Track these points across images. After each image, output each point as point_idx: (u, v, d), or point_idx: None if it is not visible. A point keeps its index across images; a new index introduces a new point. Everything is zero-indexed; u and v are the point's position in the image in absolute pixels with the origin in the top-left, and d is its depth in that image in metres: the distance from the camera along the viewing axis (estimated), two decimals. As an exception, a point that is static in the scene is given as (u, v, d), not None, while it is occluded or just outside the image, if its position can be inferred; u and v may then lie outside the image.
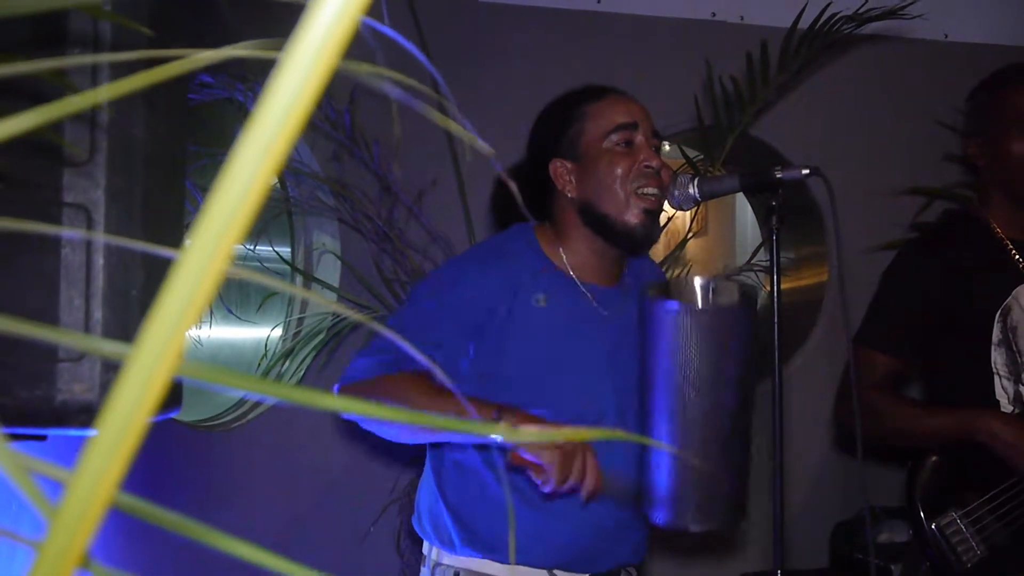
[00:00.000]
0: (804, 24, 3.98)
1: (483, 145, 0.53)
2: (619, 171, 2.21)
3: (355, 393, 2.14)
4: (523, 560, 2.26)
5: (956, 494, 2.72)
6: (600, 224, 2.24)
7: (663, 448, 2.12)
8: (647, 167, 2.21)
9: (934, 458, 2.77)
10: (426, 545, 2.37)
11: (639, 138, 2.25)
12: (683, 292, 2.21)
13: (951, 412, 2.74)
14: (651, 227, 2.24)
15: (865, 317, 2.95)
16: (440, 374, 0.51)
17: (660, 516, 2.16)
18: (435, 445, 2.33)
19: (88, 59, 1.05)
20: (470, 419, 0.44)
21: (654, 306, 2.11)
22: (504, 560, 2.24)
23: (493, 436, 0.43)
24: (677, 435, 2.10)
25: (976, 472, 2.72)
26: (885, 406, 2.79)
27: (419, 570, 2.41)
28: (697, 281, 2.21)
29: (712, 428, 2.07)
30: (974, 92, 2.93)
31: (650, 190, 2.21)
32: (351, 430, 3.87)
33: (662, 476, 2.14)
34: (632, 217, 2.21)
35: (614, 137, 2.23)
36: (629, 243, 2.26)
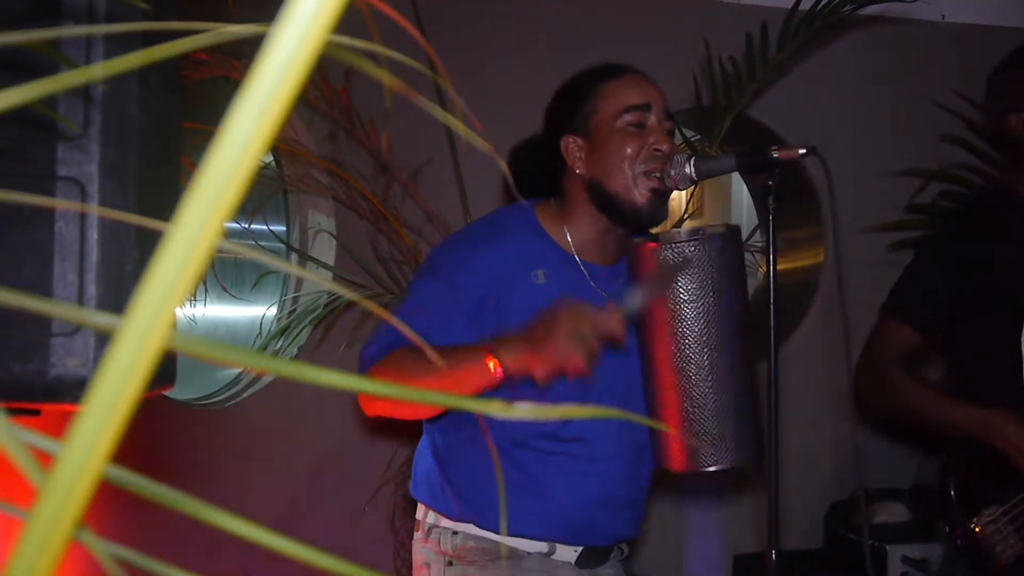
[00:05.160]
0: (804, 6, 3.98)
1: (474, 135, 0.52)
2: (628, 151, 2.21)
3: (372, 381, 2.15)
4: (520, 532, 2.27)
5: (994, 490, 2.67)
6: (607, 202, 2.24)
7: (666, 394, 2.11)
8: (657, 150, 2.21)
9: (969, 454, 2.70)
10: (421, 509, 2.38)
11: (651, 120, 2.24)
12: (668, 238, 2.21)
13: (971, 410, 2.66)
14: (658, 207, 2.24)
15: (894, 289, 2.90)
16: (437, 357, 0.51)
17: (675, 462, 2.15)
18: (433, 417, 2.34)
19: (82, 30, 1.05)
20: (467, 399, 0.44)
21: (639, 249, 2.12)
22: (500, 531, 2.26)
23: (490, 412, 0.43)
24: (678, 377, 2.09)
25: (1014, 468, 2.66)
26: (906, 387, 2.73)
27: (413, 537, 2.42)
28: (684, 231, 2.21)
29: (712, 364, 2.06)
30: (1014, 64, 2.84)
31: (658, 172, 2.20)
32: (346, 409, 3.87)
33: (670, 422, 2.12)
34: (639, 198, 2.21)
35: (626, 117, 2.23)
36: (635, 223, 2.26)
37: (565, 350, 1.92)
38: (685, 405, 2.09)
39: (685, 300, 2.05)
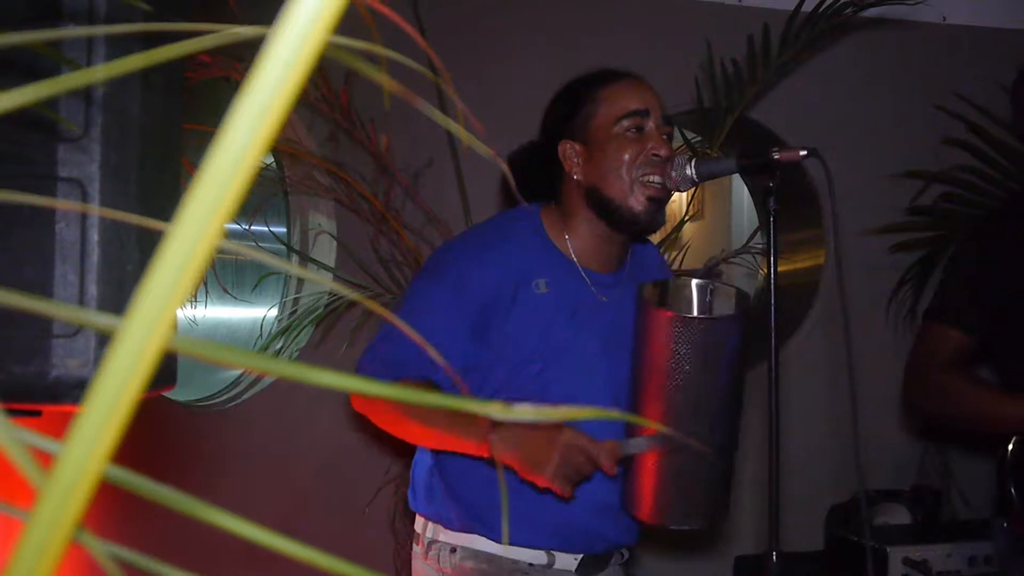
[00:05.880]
0: (806, 8, 3.98)
1: (473, 138, 0.52)
2: (626, 157, 2.21)
3: (365, 403, 2.17)
4: (520, 540, 2.26)
5: None
6: (604, 208, 2.23)
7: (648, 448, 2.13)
8: (655, 155, 2.20)
9: None
10: (419, 522, 2.38)
11: (649, 125, 2.23)
12: (680, 295, 2.21)
13: None
14: (655, 214, 2.23)
15: (938, 292, 2.85)
16: (445, 363, 0.51)
17: (643, 512, 2.19)
18: None
19: (83, 31, 1.05)
20: (466, 400, 0.44)
21: (648, 310, 2.11)
22: (501, 539, 2.25)
23: (489, 415, 0.43)
24: (661, 436, 2.11)
25: None
26: (961, 388, 2.65)
27: (412, 548, 2.42)
28: (694, 284, 2.21)
29: (697, 432, 2.07)
30: None
31: (656, 178, 2.19)
32: (347, 410, 3.87)
33: (646, 475, 2.15)
34: (636, 204, 2.20)
35: (625, 123, 2.22)
36: (632, 229, 2.26)
37: (554, 479, 2.02)
38: (665, 468, 2.13)
39: (687, 371, 2.05)
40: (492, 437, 2.03)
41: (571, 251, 2.29)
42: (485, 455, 2.06)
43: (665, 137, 2.25)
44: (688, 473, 2.13)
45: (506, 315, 2.18)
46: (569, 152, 2.26)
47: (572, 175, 2.27)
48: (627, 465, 2.17)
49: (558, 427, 2.03)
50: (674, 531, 2.25)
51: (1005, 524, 2.62)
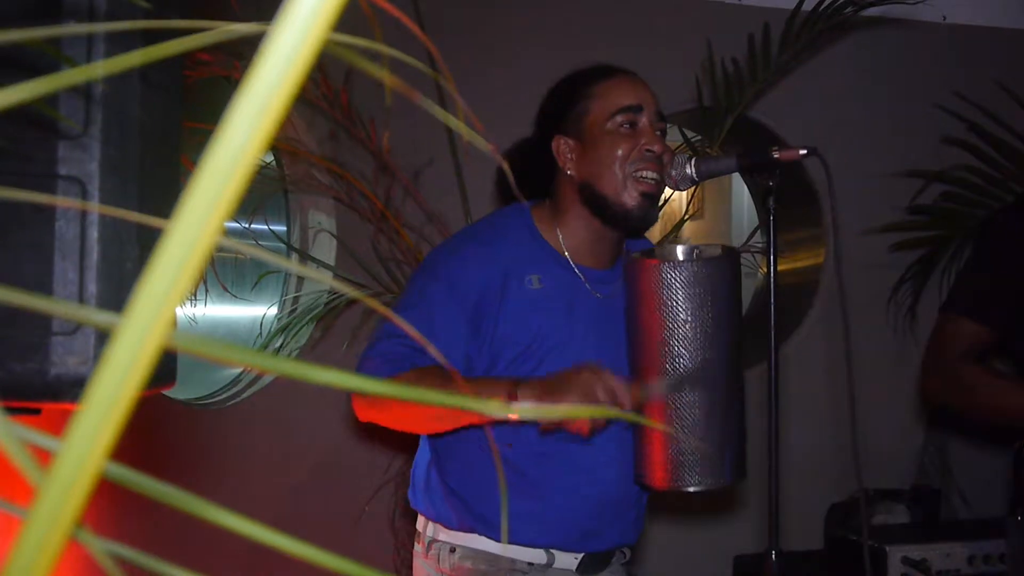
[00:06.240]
0: (806, 7, 3.98)
1: (474, 134, 0.52)
2: (619, 153, 2.20)
3: (367, 401, 2.14)
4: (520, 539, 2.26)
5: None
6: (597, 204, 2.23)
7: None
8: (648, 151, 2.20)
9: None
10: (421, 521, 2.37)
11: (643, 121, 2.23)
12: (667, 256, 2.21)
13: None
14: (648, 210, 2.23)
15: (955, 284, 2.85)
16: (445, 361, 0.51)
17: (657, 479, 2.13)
18: None
19: (83, 28, 1.05)
20: (466, 399, 0.44)
21: (636, 266, 2.11)
22: (500, 538, 2.25)
23: (490, 412, 0.43)
24: (669, 395, 2.08)
25: None
26: (978, 380, 2.64)
27: (412, 547, 2.42)
28: (680, 249, 2.21)
29: (701, 384, 2.05)
30: None
31: (649, 174, 2.19)
32: (347, 409, 3.87)
33: (654, 440, 2.11)
34: (629, 200, 2.20)
35: (618, 118, 2.22)
36: (625, 225, 2.26)
37: (576, 402, 1.90)
38: (674, 423, 2.07)
39: (683, 319, 2.03)
40: (515, 389, 1.95)
41: (564, 247, 2.29)
42: (513, 398, 1.93)
43: (659, 133, 2.24)
44: (694, 428, 2.07)
45: (500, 312, 2.18)
46: (563, 147, 2.26)
47: (566, 171, 2.26)
48: (637, 433, 2.13)
49: (575, 370, 1.96)
50: (691, 494, 2.17)
51: (1021, 518, 2.62)
